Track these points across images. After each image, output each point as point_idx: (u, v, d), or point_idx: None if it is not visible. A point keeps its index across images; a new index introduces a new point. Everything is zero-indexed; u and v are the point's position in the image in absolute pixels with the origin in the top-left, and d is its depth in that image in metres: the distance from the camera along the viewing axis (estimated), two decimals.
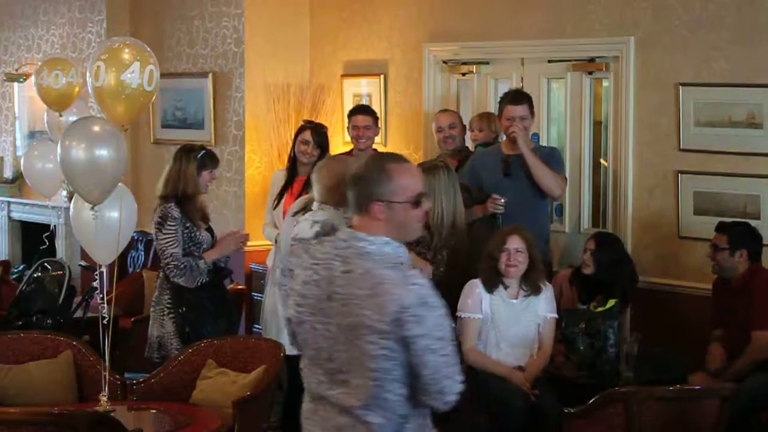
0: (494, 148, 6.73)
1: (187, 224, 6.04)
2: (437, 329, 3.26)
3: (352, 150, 7.39)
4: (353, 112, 7.39)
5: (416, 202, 3.40)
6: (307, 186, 6.50)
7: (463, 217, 6.16)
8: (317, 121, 7.63)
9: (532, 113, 6.50)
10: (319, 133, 7.08)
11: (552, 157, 6.53)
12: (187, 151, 6.19)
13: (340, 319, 3.30)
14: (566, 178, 6.71)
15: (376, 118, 7.37)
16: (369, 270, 3.29)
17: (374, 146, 7.99)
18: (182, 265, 5.98)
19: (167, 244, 6.00)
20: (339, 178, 5.18)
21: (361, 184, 3.40)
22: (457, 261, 6.15)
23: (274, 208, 7.11)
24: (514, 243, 5.77)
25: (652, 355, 5.93)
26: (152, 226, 6.12)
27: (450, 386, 3.32)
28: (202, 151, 6.19)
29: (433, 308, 3.26)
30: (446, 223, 6.10)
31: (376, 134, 7.40)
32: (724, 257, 5.88)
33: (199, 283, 6.02)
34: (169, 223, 6.00)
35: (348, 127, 7.39)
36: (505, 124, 6.47)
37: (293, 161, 7.16)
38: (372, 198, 3.37)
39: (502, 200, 6.31)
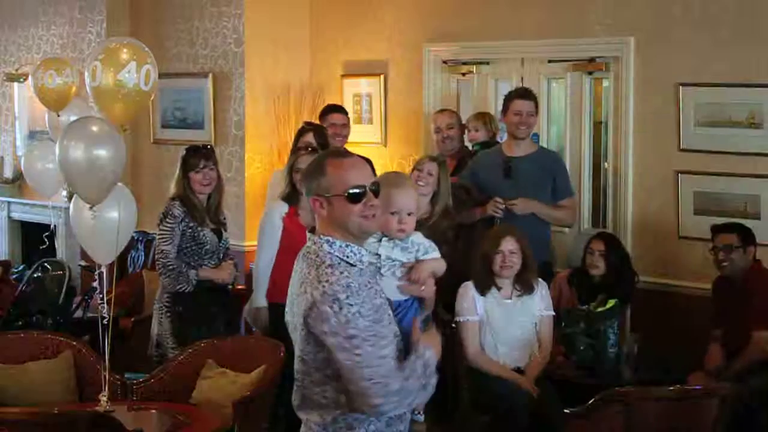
0: (495, 149, 6.73)
1: (191, 224, 6.06)
2: (348, 328, 3.20)
3: None
4: (328, 111, 7.38)
5: (352, 196, 3.35)
6: None
7: (451, 210, 6.17)
8: (317, 122, 7.64)
9: (537, 111, 6.51)
10: (320, 134, 7.07)
11: (559, 171, 6.52)
12: (184, 153, 6.23)
13: (291, 318, 3.40)
14: (575, 195, 6.69)
15: (348, 118, 7.41)
16: (303, 270, 3.35)
17: (374, 146, 8.01)
18: (171, 266, 6.01)
19: (161, 240, 6.08)
20: None
21: (304, 180, 3.48)
22: (454, 261, 6.16)
23: None
24: (509, 244, 5.77)
25: (652, 355, 5.94)
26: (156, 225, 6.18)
27: (372, 389, 3.21)
28: (187, 152, 6.20)
29: (343, 306, 3.21)
30: (448, 216, 6.11)
31: (349, 133, 7.40)
32: (739, 255, 5.89)
33: (182, 291, 6.03)
34: (167, 220, 6.06)
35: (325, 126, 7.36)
36: (513, 119, 6.44)
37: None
38: (311, 193, 3.39)
39: (503, 205, 6.29)
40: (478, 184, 6.55)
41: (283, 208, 6.20)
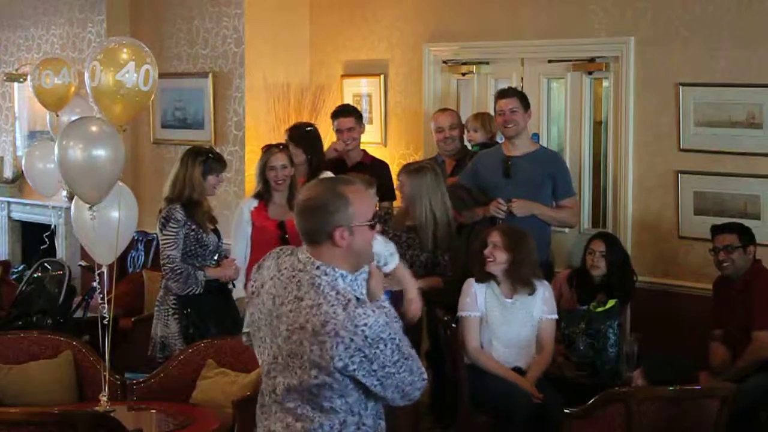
0: (495, 149, 6.73)
1: (194, 227, 6.03)
2: (394, 355, 3.26)
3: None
4: (336, 115, 7.33)
5: (373, 224, 3.37)
6: None
7: (452, 216, 6.19)
8: (316, 121, 7.65)
9: (524, 108, 6.46)
10: (292, 129, 7.11)
11: (558, 171, 6.49)
12: (194, 154, 6.15)
13: (283, 343, 3.30)
14: (575, 194, 6.69)
15: (359, 117, 7.34)
16: (318, 305, 3.24)
17: (374, 146, 8.01)
18: (178, 270, 5.98)
19: (166, 245, 6.02)
20: None
21: (320, 212, 3.31)
22: (454, 261, 6.18)
23: None
24: (493, 238, 5.78)
25: (660, 355, 5.94)
26: (157, 227, 6.13)
27: (412, 390, 3.35)
28: (209, 155, 6.17)
29: (389, 341, 3.25)
30: (440, 222, 6.13)
31: (362, 133, 7.36)
32: (739, 255, 5.89)
33: (191, 293, 6.01)
34: (171, 224, 6.01)
35: (334, 130, 7.36)
36: (498, 119, 6.52)
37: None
38: (334, 225, 3.28)
39: (505, 206, 6.29)
40: (478, 185, 6.55)
41: (252, 203, 6.46)
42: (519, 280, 5.78)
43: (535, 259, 5.87)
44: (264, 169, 6.39)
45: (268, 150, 6.53)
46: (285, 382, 3.31)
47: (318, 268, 3.30)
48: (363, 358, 3.22)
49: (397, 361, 3.27)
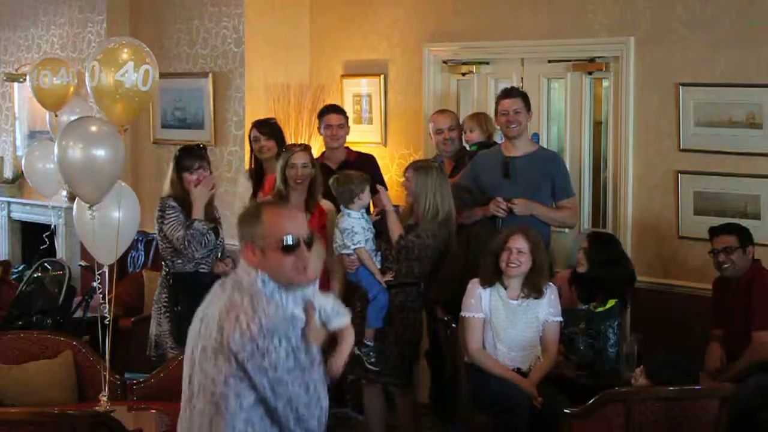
0: (494, 149, 6.72)
1: (186, 222, 6.05)
2: (289, 360, 3.26)
3: (323, 153, 7.32)
4: (326, 111, 7.33)
5: (286, 248, 3.34)
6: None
7: (454, 218, 6.18)
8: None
9: (527, 108, 6.49)
10: (264, 125, 7.13)
11: (558, 171, 6.49)
12: (176, 153, 6.23)
13: (197, 338, 3.38)
14: (575, 195, 6.68)
15: (347, 118, 7.36)
16: (230, 296, 3.33)
17: (374, 146, 8.01)
18: (190, 238, 5.98)
19: (172, 230, 6.04)
20: None
21: (239, 224, 3.44)
22: (454, 261, 6.17)
23: None
24: (517, 243, 5.76)
25: (662, 354, 5.93)
26: (155, 224, 6.15)
27: (308, 415, 3.30)
28: (176, 153, 6.20)
29: (285, 339, 3.25)
30: (441, 219, 6.11)
31: (347, 134, 7.36)
32: (739, 256, 5.89)
33: (208, 245, 6.02)
34: (168, 212, 6.06)
35: (319, 127, 7.36)
36: (501, 119, 6.51)
37: (257, 165, 7.14)
38: (244, 238, 3.39)
39: (505, 205, 6.29)
40: (478, 185, 6.55)
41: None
42: (533, 285, 5.78)
43: (547, 265, 5.89)
44: (285, 167, 6.39)
45: (290, 149, 6.55)
46: (196, 381, 3.35)
47: (243, 269, 3.38)
48: (255, 349, 3.22)
49: (291, 369, 3.26)
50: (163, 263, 6.24)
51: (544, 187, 6.45)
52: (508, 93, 6.53)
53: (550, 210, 6.46)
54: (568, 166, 6.88)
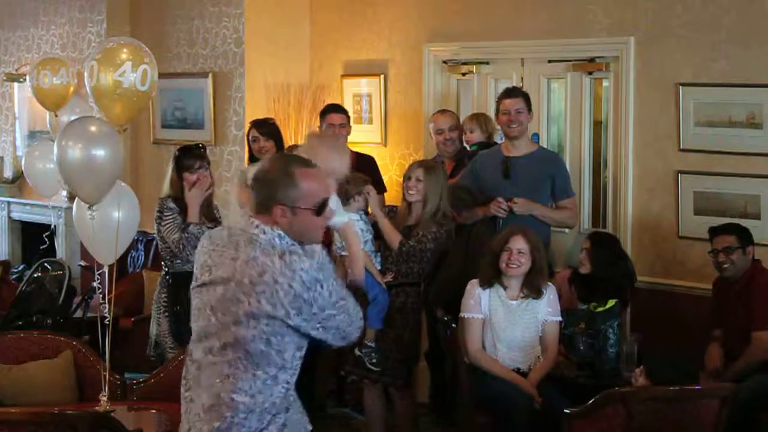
0: (494, 149, 6.72)
1: (182, 225, 6.04)
2: (332, 296, 3.39)
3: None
4: (328, 111, 7.32)
5: (320, 210, 3.43)
6: None
7: (451, 217, 6.16)
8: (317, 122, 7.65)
9: (529, 108, 6.50)
10: (263, 125, 7.11)
11: (557, 172, 6.49)
12: (176, 153, 6.22)
13: (217, 302, 3.40)
14: (575, 195, 6.67)
15: (349, 117, 7.35)
16: (254, 258, 3.35)
17: (374, 146, 8.01)
18: (185, 242, 5.97)
19: (168, 232, 6.04)
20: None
21: (266, 186, 3.43)
22: (454, 261, 6.16)
23: None
24: (518, 243, 5.76)
25: (662, 355, 5.94)
26: (154, 224, 6.16)
27: (351, 331, 3.49)
28: (176, 153, 6.19)
29: (325, 282, 3.36)
30: (443, 219, 6.10)
31: (349, 133, 7.35)
32: (738, 256, 5.89)
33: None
34: (165, 213, 6.06)
35: (320, 127, 7.36)
36: (502, 119, 6.50)
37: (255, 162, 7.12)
38: (276, 201, 3.40)
39: (506, 205, 6.29)
40: (478, 185, 6.55)
41: None
42: (532, 286, 5.78)
43: (546, 265, 5.89)
44: None
45: (291, 149, 6.56)
46: (221, 342, 3.38)
47: (257, 227, 3.41)
48: (303, 303, 3.32)
49: (335, 302, 3.39)
50: (162, 263, 6.24)
51: (543, 187, 6.45)
52: (510, 92, 6.54)
53: (550, 210, 6.46)
54: (568, 166, 6.88)
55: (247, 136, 7.25)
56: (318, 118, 7.44)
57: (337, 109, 7.38)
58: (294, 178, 3.40)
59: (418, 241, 6.02)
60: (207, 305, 3.44)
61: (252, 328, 3.33)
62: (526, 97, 6.52)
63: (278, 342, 3.36)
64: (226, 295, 3.37)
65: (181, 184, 6.11)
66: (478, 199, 6.49)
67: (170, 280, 6.10)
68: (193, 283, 3.54)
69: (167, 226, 6.05)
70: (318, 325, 3.38)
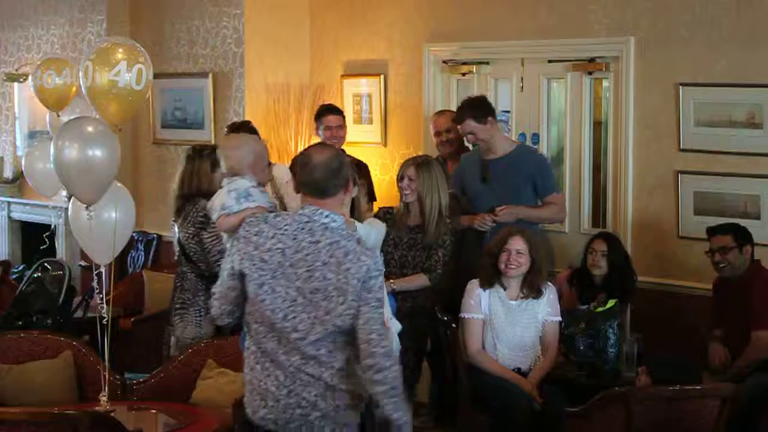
0: (475, 152, 6.66)
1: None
2: (379, 291, 3.94)
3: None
4: (324, 113, 7.31)
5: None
6: None
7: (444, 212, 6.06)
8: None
9: (477, 120, 6.35)
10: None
11: (538, 172, 6.40)
12: (198, 150, 6.12)
13: (303, 283, 3.87)
14: (561, 191, 6.65)
15: (344, 117, 7.33)
16: (337, 242, 3.88)
17: (374, 146, 8.01)
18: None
19: (214, 242, 5.87)
20: (258, 155, 5.01)
21: (342, 171, 3.99)
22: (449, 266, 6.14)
23: None
24: (516, 244, 5.76)
25: (665, 354, 5.94)
26: (187, 226, 5.99)
27: (377, 339, 3.88)
28: (215, 150, 6.13)
29: (379, 273, 3.94)
30: (444, 216, 6.02)
31: (346, 134, 7.34)
32: (735, 256, 5.89)
33: None
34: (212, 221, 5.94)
35: (317, 128, 7.34)
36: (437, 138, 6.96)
37: None
38: (345, 185, 4.02)
39: (489, 218, 6.25)
40: (463, 189, 6.52)
41: None
42: (532, 286, 5.78)
43: (545, 265, 5.88)
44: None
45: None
46: (310, 317, 3.85)
47: (327, 216, 3.92)
48: (379, 274, 3.91)
49: (379, 298, 3.94)
50: (193, 265, 6.05)
51: (524, 188, 6.38)
52: (457, 118, 6.54)
53: (535, 210, 6.40)
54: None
55: None
56: (314, 120, 7.41)
57: (334, 110, 7.36)
58: (344, 163, 4.03)
59: (437, 261, 5.93)
60: (290, 286, 3.88)
61: (340, 304, 3.84)
62: (474, 115, 6.38)
63: (366, 311, 3.86)
64: (313, 276, 3.85)
65: (211, 178, 6.00)
66: (465, 207, 6.43)
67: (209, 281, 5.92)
68: (255, 265, 3.89)
69: (213, 235, 5.85)
70: (386, 290, 4.16)
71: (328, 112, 7.32)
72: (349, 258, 3.85)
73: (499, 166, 6.38)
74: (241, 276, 3.94)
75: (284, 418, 3.94)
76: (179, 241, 6.09)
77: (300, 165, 4.05)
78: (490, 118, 6.42)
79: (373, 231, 4.82)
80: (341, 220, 3.93)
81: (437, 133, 7.12)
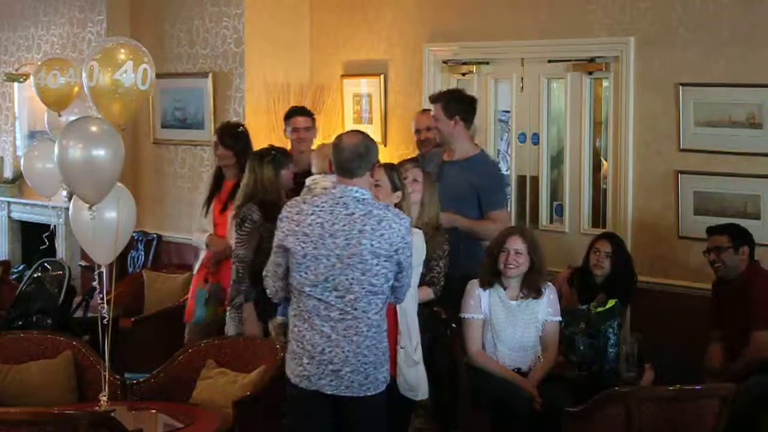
0: (439, 151, 6.52)
1: (268, 225, 5.75)
2: (410, 257, 4.56)
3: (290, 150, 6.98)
4: (291, 114, 7.27)
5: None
6: (235, 189, 6.35)
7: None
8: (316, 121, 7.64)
9: (448, 117, 6.25)
10: (225, 133, 6.87)
11: (483, 186, 6.19)
12: (259, 157, 6.12)
13: (342, 250, 4.38)
14: (505, 209, 6.46)
15: (314, 119, 7.29)
16: (370, 211, 4.42)
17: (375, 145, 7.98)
18: (240, 273, 5.93)
19: (238, 244, 5.95)
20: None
21: (369, 155, 4.52)
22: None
23: (205, 216, 6.84)
24: (515, 244, 5.75)
25: (670, 353, 5.95)
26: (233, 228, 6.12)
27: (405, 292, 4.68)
28: (272, 152, 6.12)
29: (410, 238, 4.54)
30: (439, 229, 5.93)
31: (315, 136, 7.29)
32: (729, 256, 5.89)
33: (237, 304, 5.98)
34: (246, 224, 5.96)
35: (285, 130, 7.31)
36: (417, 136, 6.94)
37: (218, 168, 6.92)
38: (374, 164, 4.57)
39: None
40: None
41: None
42: (531, 286, 5.77)
43: (545, 266, 5.88)
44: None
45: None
46: (348, 278, 4.38)
47: (357, 191, 4.45)
48: (406, 245, 4.48)
49: (411, 254, 4.57)
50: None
51: (469, 198, 6.19)
52: (427, 112, 6.59)
53: (472, 222, 6.17)
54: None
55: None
56: (283, 121, 7.36)
57: (301, 111, 7.30)
58: (372, 146, 4.56)
59: (438, 273, 5.72)
60: (331, 254, 4.39)
61: (375, 265, 4.39)
62: (445, 105, 6.28)
63: (391, 275, 4.47)
64: (350, 243, 4.37)
65: (278, 183, 6.04)
66: None
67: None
68: (298, 239, 4.42)
69: (239, 237, 5.92)
70: (406, 272, 4.55)
71: (295, 113, 7.27)
72: (383, 225, 4.40)
73: (451, 169, 6.27)
74: (285, 251, 4.47)
75: (318, 374, 4.41)
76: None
77: (334, 148, 4.57)
78: (457, 117, 6.27)
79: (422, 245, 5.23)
80: (369, 193, 4.47)
81: (417, 131, 7.10)
